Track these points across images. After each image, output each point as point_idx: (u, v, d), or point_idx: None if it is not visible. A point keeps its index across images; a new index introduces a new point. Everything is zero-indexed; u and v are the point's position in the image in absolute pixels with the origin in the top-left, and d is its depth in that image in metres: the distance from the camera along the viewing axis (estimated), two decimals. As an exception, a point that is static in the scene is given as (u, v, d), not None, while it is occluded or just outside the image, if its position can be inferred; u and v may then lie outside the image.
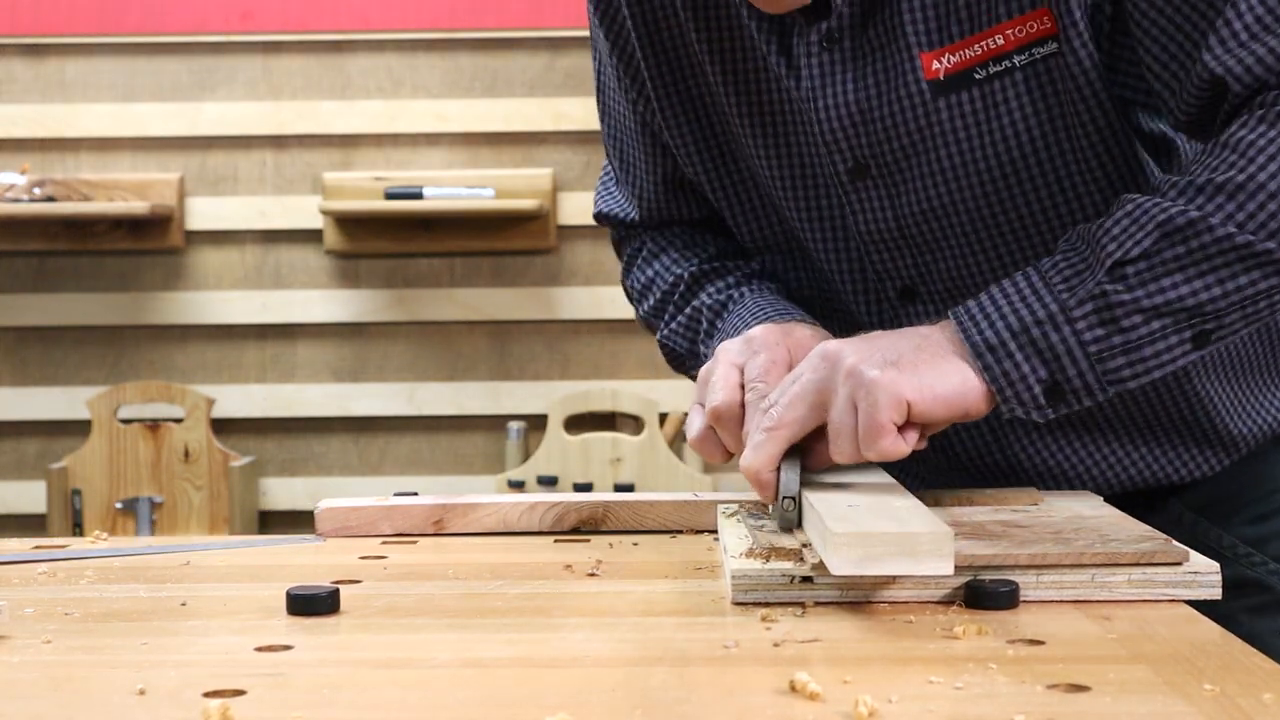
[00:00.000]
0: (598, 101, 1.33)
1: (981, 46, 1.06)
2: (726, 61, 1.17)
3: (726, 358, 1.08)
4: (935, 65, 1.07)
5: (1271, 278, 0.95)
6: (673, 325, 1.28)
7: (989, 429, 1.18)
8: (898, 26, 1.08)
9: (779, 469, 0.98)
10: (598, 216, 1.38)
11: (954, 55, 1.07)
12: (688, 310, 1.27)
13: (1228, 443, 1.18)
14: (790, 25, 1.13)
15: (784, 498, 0.96)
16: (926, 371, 0.95)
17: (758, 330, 1.10)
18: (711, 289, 1.26)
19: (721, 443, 1.06)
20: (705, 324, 1.25)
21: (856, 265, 1.19)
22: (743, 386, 1.05)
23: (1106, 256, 0.96)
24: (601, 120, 1.33)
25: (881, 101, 1.10)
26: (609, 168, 1.36)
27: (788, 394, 0.99)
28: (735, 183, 1.25)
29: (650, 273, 1.31)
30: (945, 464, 1.22)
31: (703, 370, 1.10)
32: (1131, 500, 1.14)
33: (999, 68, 1.06)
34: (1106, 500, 1.09)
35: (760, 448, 0.98)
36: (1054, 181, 1.09)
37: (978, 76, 1.07)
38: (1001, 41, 1.05)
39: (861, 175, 1.13)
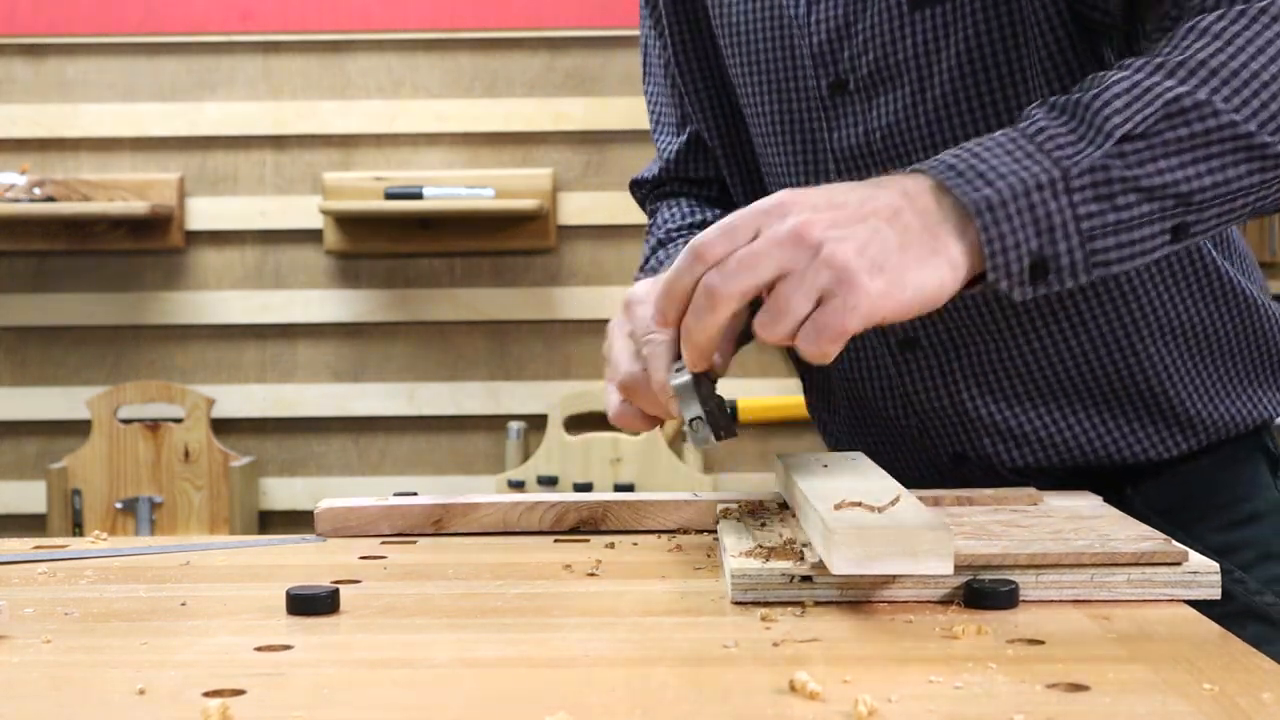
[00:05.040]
0: (642, 63, 1.41)
1: None
2: None
3: (615, 331, 1.06)
4: None
5: (1259, 173, 0.93)
6: (640, 276, 1.27)
7: (943, 381, 1.20)
8: None
9: (692, 379, 0.93)
10: (630, 184, 1.44)
11: None
12: (652, 261, 1.31)
13: (1184, 423, 1.18)
14: None
15: (691, 419, 0.91)
16: (910, 278, 0.87)
17: (635, 288, 1.07)
18: (671, 247, 1.30)
19: (635, 410, 1.03)
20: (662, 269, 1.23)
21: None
22: (637, 351, 1.01)
23: (1114, 129, 0.90)
24: (645, 91, 1.41)
25: (865, 15, 1.14)
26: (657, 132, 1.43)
27: (738, 259, 0.87)
28: (735, 143, 1.31)
29: (651, 232, 1.37)
30: (900, 412, 1.23)
31: (603, 348, 1.08)
32: (1093, 489, 1.14)
33: None
34: (1060, 481, 1.09)
35: (701, 326, 0.90)
36: (1013, 97, 1.10)
37: None
38: None
39: (840, 90, 1.17)
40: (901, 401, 1.23)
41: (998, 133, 0.93)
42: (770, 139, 1.25)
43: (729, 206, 1.32)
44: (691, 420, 0.90)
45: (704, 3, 1.28)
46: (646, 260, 1.34)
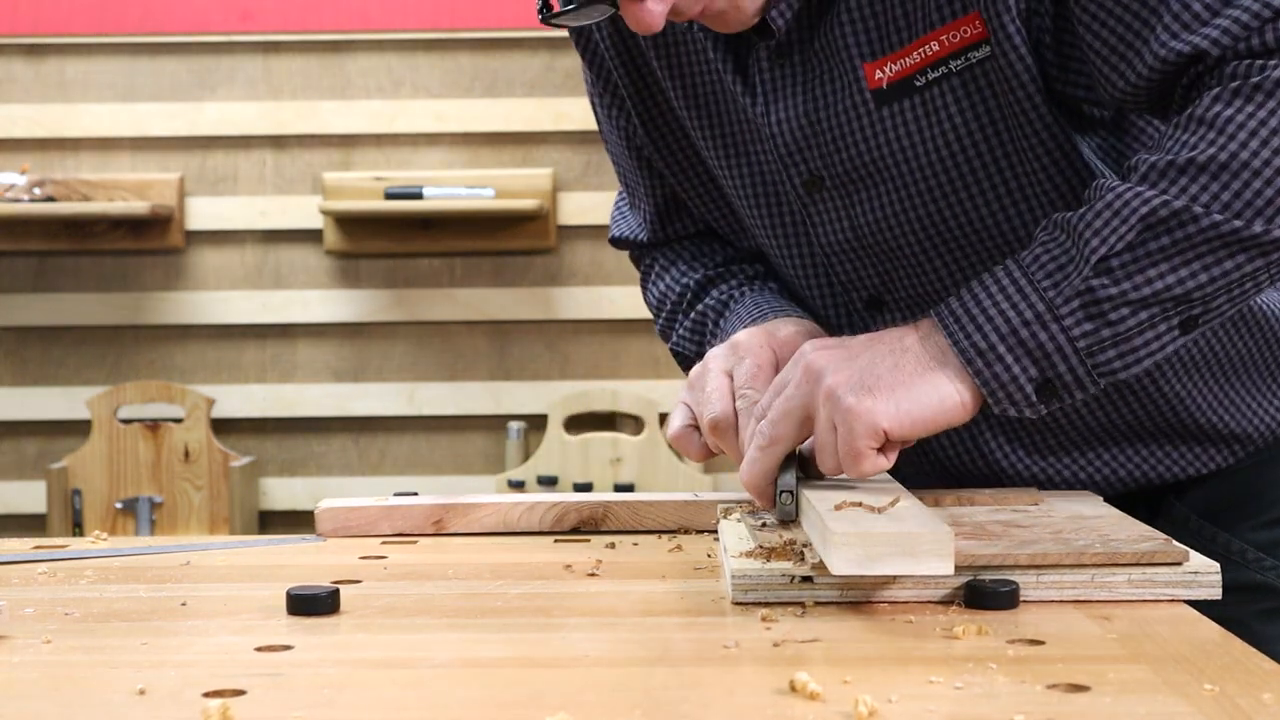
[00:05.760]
0: (599, 129, 1.36)
1: (919, 54, 1.07)
2: (687, 83, 1.21)
3: (716, 365, 1.10)
4: (878, 75, 1.09)
5: (1257, 259, 0.95)
6: (680, 331, 1.31)
7: (970, 438, 1.19)
8: (839, 39, 1.09)
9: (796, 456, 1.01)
10: (613, 241, 1.40)
11: (894, 64, 1.08)
12: (693, 315, 1.30)
13: (1231, 440, 1.18)
14: (744, 44, 1.15)
15: (781, 491, 0.99)
16: (904, 395, 0.95)
17: (741, 335, 1.12)
18: (715, 292, 1.29)
19: (700, 443, 1.09)
20: (710, 325, 1.27)
21: (823, 277, 1.21)
22: (735, 394, 1.07)
23: (1091, 252, 0.95)
24: (608, 151, 1.37)
25: (829, 113, 1.12)
26: (622, 191, 1.40)
27: (776, 408, 1.00)
28: (719, 203, 1.28)
29: (663, 286, 1.34)
30: (931, 469, 1.23)
31: (692, 373, 1.12)
32: (1133, 502, 1.14)
33: (936, 74, 1.07)
34: (1107, 501, 1.09)
35: (755, 463, 1.01)
36: (1000, 185, 1.09)
37: (918, 84, 1.08)
38: (937, 48, 1.06)
39: (817, 187, 1.15)
40: (930, 460, 1.22)
41: (1000, 267, 0.98)
42: (757, 223, 1.23)
43: (717, 237, 1.33)
44: (783, 492, 0.99)
45: (661, 84, 1.23)
46: (710, 329, 1.29)
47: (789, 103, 1.13)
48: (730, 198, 1.25)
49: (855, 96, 1.10)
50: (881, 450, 0.96)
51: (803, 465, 1.03)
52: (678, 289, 1.32)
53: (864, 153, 1.11)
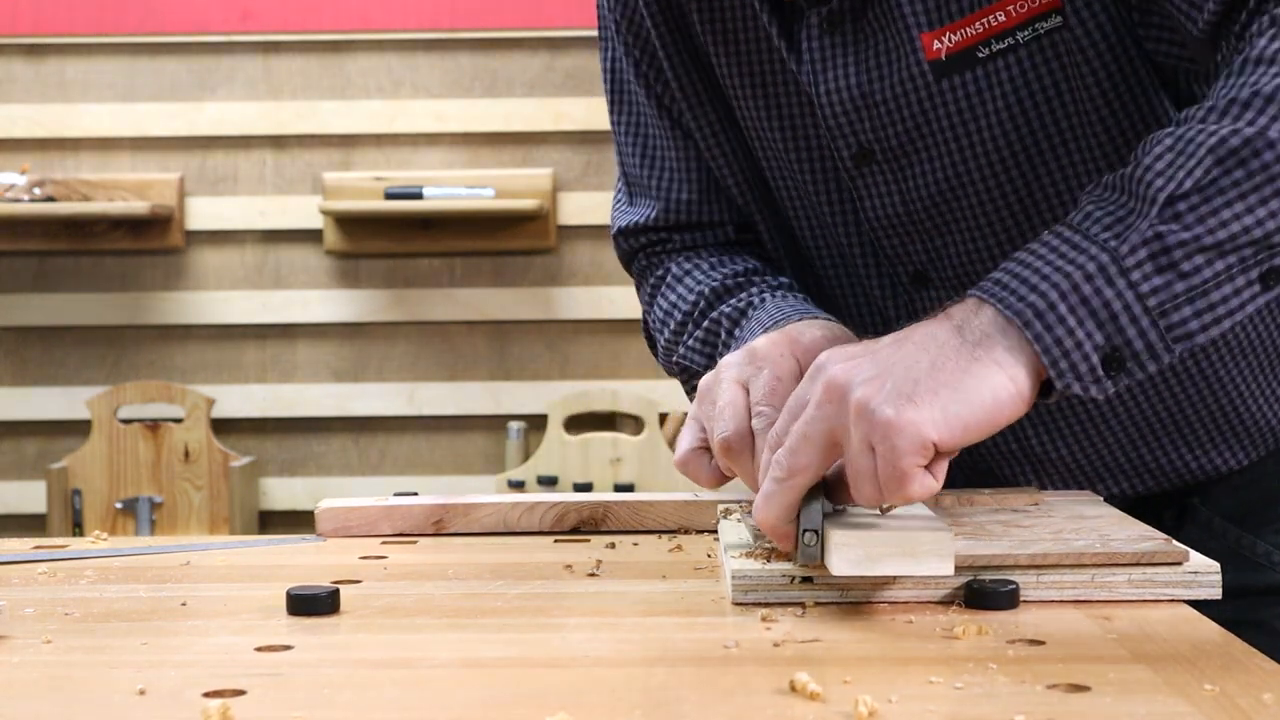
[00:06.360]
0: (612, 105, 1.26)
1: (983, 24, 1.03)
2: (732, 50, 1.15)
3: (729, 375, 0.98)
4: (936, 45, 1.04)
5: None
6: (689, 342, 1.19)
7: (1009, 428, 1.14)
8: (896, 7, 1.05)
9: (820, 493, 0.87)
10: (618, 233, 1.28)
11: (955, 34, 1.03)
12: (705, 324, 1.18)
13: (1254, 434, 1.15)
14: (794, 10, 1.10)
15: (804, 530, 0.85)
16: (950, 397, 0.82)
17: (760, 341, 1.02)
18: (732, 300, 1.17)
19: (711, 467, 0.99)
20: (724, 334, 1.16)
21: (868, 251, 1.16)
22: (749, 410, 0.96)
23: (1157, 193, 0.84)
24: (619, 124, 1.26)
25: (883, 85, 1.07)
26: (621, 187, 1.31)
27: (795, 434, 0.86)
28: (757, 181, 1.21)
29: (673, 297, 1.22)
30: (965, 455, 1.17)
31: (702, 384, 1.01)
32: (1159, 503, 1.13)
33: (1001, 45, 1.03)
34: (1128, 501, 1.08)
35: (773, 499, 0.86)
36: (1064, 156, 1.05)
37: (980, 55, 1.03)
38: (1003, 18, 1.02)
39: (867, 160, 1.10)
40: (968, 449, 1.18)
41: (1046, 232, 0.88)
42: (803, 198, 1.17)
43: (745, 247, 1.24)
44: (806, 531, 0.85)
45: (704, 53, 1.17)
46: (723, 339, 1.16)
47: (840, 73, 1.08)
48: (768, 173, 1.19)
49: (912, 68, 1.05)
50: (928, 467, 0.82)
51: (828, 493, 0.88)
52: (691, 298, 1.19)
53: (919, 126, 1.07)
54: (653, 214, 1.24)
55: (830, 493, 0.87)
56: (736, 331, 1.14)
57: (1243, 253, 0.84)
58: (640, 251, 1.27)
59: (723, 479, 0.99)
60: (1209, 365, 1.11)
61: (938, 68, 1.05)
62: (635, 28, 1.20)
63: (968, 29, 1.03)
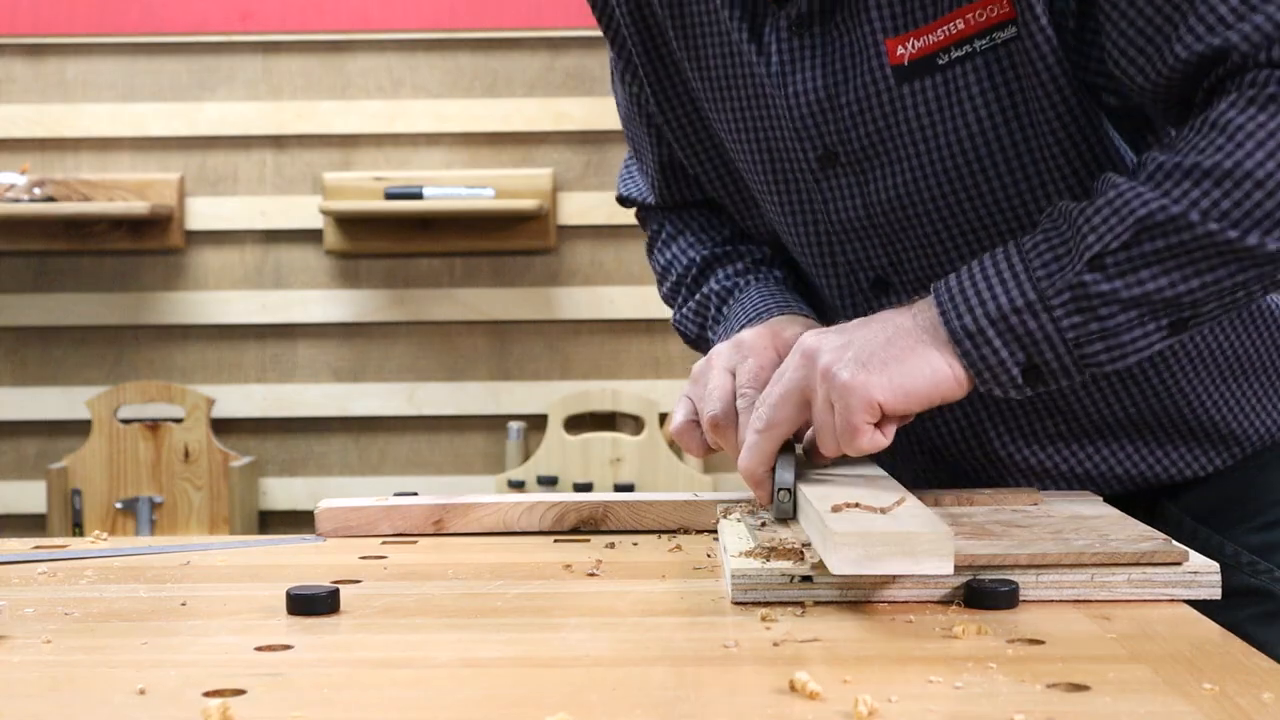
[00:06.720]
0: (612, 90, 1.38)
1: (943, 31, 1.06)
2: (701, 52, 1.19)
3: (719, 362, 1.11)
4: (900, 51, 1.07)
5: (1250, 270, 0.95)
6: (684, 310, 1.33)
7: (970, 427, 1.19)
8: (862, 11, 1.08)
9: (774, 466, 1.02)
10: (620, 199, 1.43)
11: (917, 41, 1.07)
12: (697, 296, 1.31)
13: (1229, 440, 1.18)
14: (761, 11, 1.13)
15: (779, 489, 1.00)
16: (896, 369, 0.97)
17: (746, 334, 1.13)
18: (721, 274, 1.29)
19: (701, 438, 1.10)
20: (713, 309, 1.29)
21: (828, 255, 1.19)
22: (735, 392, 1.08)
23: (1086, 249, 0.95)
24: (618, 108, 1.38)
25: (849, 88, 1.10)
26: (632, 154, 1.40)
27: (773, 393, 1.02)
28: (725, 175, 1.27)
29: (669, 255, 1.35)
30: (930, 463, 1.22)
31: (696, 368, 1.13)
32: (1129, 503, 1.14)
33: (960, 53, 1.06)
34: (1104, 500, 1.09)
35: (753, 448, 1.02)
36: (1018, 169, 1.08)
37: (940, 62, 1.07)
38: (962, 26, 1.05)
39: (831, 163, 1.13)
40: (929, 451, 1.22)
41: (999, 249, 1.00)
42: (766, 198, 1.22)
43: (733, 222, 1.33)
44: (780, 489, 1.00)
45: (675, 51, 1.22)
46: (712, 314, 1.30)
47: (807, 75, 1.11)
48: (739, 172, 1.24)
49: (875, 72, 1.08)
50: (879, 426, 0.98)
51: (807, 455, 1.04)
52: (684, 261, 1.33)
53: (881, 130, 1.10)
54: (649, 196, 1.37)
55: (808, 455, 1.04)
56: (724, 309, 1.27)
57: (1154, 307, 0.96)
58: (638, 206, 1.42)
59: (710, 450, 1.11)
60: (1167, 373, 1.14)
61: (900, 73, 1.08)
62: (614, 34, 1.27)
63: (930, 35, 1.07)
